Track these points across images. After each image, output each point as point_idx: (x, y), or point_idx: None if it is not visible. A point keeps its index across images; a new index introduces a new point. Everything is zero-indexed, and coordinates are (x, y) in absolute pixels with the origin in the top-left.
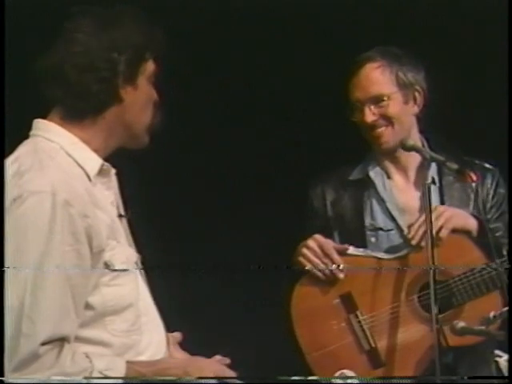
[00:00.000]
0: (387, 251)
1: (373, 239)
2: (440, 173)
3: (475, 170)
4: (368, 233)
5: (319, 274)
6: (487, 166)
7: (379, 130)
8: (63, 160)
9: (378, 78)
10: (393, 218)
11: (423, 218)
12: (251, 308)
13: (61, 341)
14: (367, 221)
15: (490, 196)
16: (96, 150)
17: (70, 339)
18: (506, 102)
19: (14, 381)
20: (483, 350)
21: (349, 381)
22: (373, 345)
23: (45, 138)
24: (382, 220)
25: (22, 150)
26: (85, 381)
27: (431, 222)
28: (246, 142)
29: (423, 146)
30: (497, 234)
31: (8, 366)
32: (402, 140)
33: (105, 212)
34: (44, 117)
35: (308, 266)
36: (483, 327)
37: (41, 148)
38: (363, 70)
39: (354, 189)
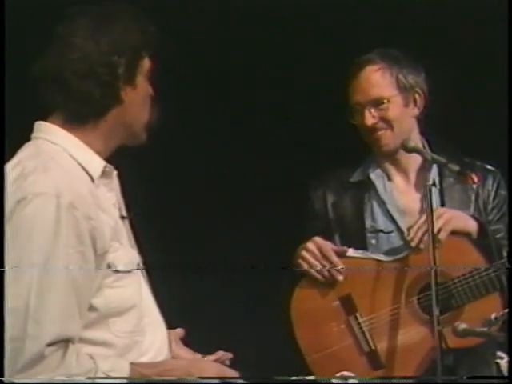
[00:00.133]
0: (387, 253)
1: (373, 241)
2: (441, 174)
3: (476, 171)
4: (368, 235)
5: (318, 276)
6: (488, 167)
7: (379, 132)
8: (66, 162)
9: (378, 81)
10: (393, 220)
11: (422, 219)
12: (251, 308)
13: (66, 342)
14: (368, 223)
15: (491, 197)
16: (98, 152)
17: (74, 340)
18: (506, 102)
19: (17, 381)
20: (483, 352)
21: (349, 381)
22: (372, 347)
23: (47, 141)
24: (382, 222)
25: (25, 153)
26: (89, 381)
27: (433, 223)
28: (245, 141)
29: (424, 147)
30: (497, 236)
31: (8, 366)
32: (403, 142)
33: (108, 214)
34: (45, 119)
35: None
36: (485, 329)
37: (44, 150)
38: (363, 73)
39: (355, 191)
